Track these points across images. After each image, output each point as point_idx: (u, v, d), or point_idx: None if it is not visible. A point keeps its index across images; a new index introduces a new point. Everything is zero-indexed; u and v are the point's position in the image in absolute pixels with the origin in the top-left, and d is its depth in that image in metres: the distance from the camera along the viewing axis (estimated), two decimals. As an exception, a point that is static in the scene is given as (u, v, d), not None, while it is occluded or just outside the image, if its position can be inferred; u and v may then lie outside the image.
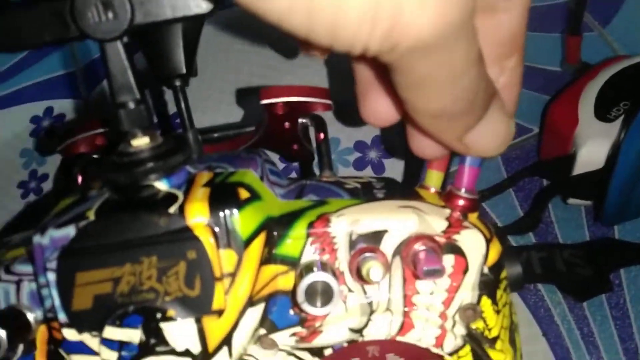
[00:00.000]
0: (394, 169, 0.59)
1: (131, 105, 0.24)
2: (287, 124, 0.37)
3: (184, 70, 0.29)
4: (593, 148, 0.45)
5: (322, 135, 0.37)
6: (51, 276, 0.22)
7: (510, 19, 0.21)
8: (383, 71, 0.20)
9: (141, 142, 0.24)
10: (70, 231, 0.23)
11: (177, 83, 0.30)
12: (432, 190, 0.28)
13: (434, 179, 0.29)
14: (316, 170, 0.42)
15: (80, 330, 0.23)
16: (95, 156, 0.35)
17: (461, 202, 0.26)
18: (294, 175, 0.55)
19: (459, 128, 0.21)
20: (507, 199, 0.55)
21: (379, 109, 0.23)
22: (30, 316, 0.25)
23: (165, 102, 0.58)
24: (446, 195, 0.27)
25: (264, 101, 0.35)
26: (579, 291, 0.48)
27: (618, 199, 0.45)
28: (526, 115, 0.59)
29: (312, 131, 0.38)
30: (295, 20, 0.16)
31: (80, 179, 0.35)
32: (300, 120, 0.37)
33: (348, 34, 0.16)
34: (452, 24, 0.16)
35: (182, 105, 0.31)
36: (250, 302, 0.23)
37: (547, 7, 0.64)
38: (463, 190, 0.26)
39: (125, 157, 0.24)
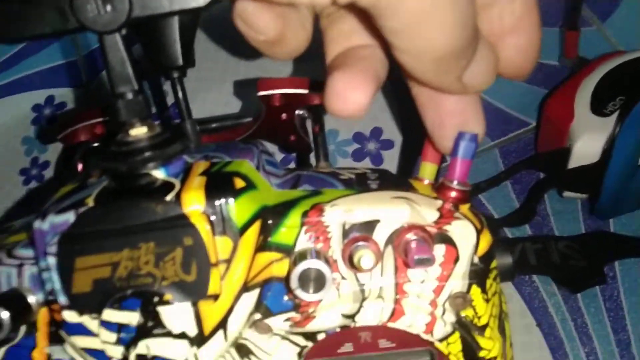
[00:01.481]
0: (393, 160, 0.59)
1: (129, 95, 0.25)
2: (284, 116, 0.37)
3: (181, 63, 0.29)
4: (588, 142, 0.45)
5: (318, 128, 0.37)
6: (51, 260, 0.23)
7: None
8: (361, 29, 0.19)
9: (139, 131, 0.25)
10: (70, 217, 0.23)
11: (175, 74, 0.30)
12: (426, 182, 0.29)
13: (427, 171, 0.29)
14: (313, 161, 0.42)
15: (80, 312, 0.23)
16: (95, 144, 0.36)
17: (453, 194, 0.27)
18: (292, 165, 0.55)
19: (459, 67, 0.20)
20: (504, 192, 0.55)
21: (347, 91, 0.21)
22: (32, 299, 0.26)
23: (164, 92, 0.58)
24: (439, 187, 0.27)
25: (261, 93, 0.35)
26: (573, 283, 0.49)
27: (613, 192, 0.45)
28: (523, 108, 0.59)
29: (309, 123, 0.39)
30: None
31: (80, 166, 0.36)
32: (297, 112, 0.38)
33: None
34: None
35: (180, 96, 0.31)
36: (245, 288, 0.24)
37: (545, 1, 0.65)
38: (455, 182, 0.27)
39: (123, 146, 0.25)
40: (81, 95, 0.64)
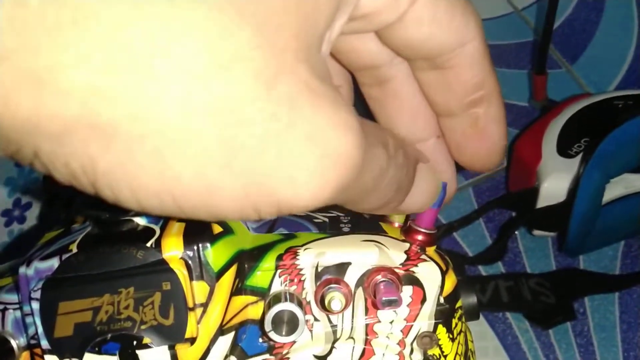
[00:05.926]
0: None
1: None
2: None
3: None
4: (554, 183, 0.47)
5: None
6: (35, 305, 0.24)
7: (459, 72, 0.21)
8: None
9: (122, 179, 0.26)
10: (54, 263, 0.24)
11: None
12: (396, 224, 0.30)
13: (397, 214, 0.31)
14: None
15: (62, 356, 0.24)
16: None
17: (420, 237, 0.28)
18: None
19: (395, 205, 0.22)
20: (478, 230, 0.57)
21: None
22: (14, 343, 0.27)
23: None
24: (406, 230, 0.29)
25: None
26: (544, 319, 0.50)
27: (579, 231, 0.47)
28: (496, 149, 0.61)
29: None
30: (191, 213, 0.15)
31: (65, 211, 0.37)
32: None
33: (236, 217, 0.16)
34: (338, 186, 0.15)
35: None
36: (221, 331, 0.25)
37: (515, 45, 0.68)
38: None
39: (107, 194, 0.26)
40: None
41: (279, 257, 0.27)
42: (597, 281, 0.52)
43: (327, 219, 0.31)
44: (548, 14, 0.51)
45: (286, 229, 0.29)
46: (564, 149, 0.49)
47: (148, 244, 0.24)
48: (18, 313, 0.26)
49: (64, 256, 0.24)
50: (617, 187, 0.50)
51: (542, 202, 0.48)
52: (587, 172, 0.44)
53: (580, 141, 0.49)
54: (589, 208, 0.46)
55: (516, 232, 0.55)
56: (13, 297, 0.27)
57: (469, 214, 0.53)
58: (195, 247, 0.25)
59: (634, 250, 0.56)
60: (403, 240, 0.28)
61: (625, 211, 0.51)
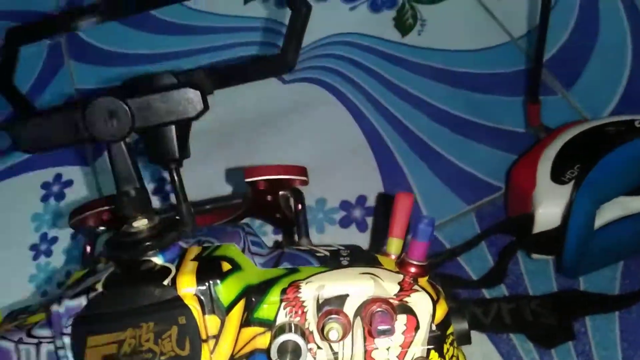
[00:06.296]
0: (376, 227, 0.63)
1: (132, 192, 0.29)
2: (269, 197, 0.42)
3: (177, 156, 0.34)
4: (548, 209, 0.49)
5: (299, 207, 0.42)
6: (67, 339, 0.27)
7: None
8: None
9: (140, 223, 0.29)
10: (82, 301, 0.28)
11: (172, 166, 0.35)
12: (393, 256, 0.33)
13: (394, 246, 0.34)
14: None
15: (90, 385, 0.27)
16: (102, 228, 0.41)
17: (412, 269, 0.31)
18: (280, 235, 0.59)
19: None
20: (481, 254, 0.59)
21: None
22: (47, 374, 0.30)
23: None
24: (400, 263, 0.31)
25: (248, 179, 0.40)
26: (545, 340, 0.52)
27: (573, 255, 0.49)
28: (495, 173, 0.64)
29: (292, 201, 0.43)
30: None
31: (88, 248, 0.40)
32: (281, 193, 0.42)
33: None
34: None
35: (177, 183, 0.36)
36: (232, 360, 0.28)
37: (511, 73, 0.70)
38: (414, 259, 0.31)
39: (127, 237, 0.29)
40: (87, 173, 0.68)
41: (283, 291, 0.29)
42: (598, 301, 0.54)
43: (328, 253, 0.33)
44: (538, 44, 0.54)
45: (290, 264, 0.32)
46: (557, 176, 0.51)
47: (165, 282, 0.27)
48: (51, 346, 0.29)
49: (91, 295, 0.27)
50: (614, 209, 0.52)
51: (538, 227, 0.50)
52: (578, 199, 0.47)
53: (573, 167, 0.51)
54: (581, 233, 0.48)
55: (518, 256, 0.57)
56: (46, 332, 0.30)
57: (470, 240, 0.55)
58: (207, 284, 0.27)
59: (633, 270, 0.57)
60: (397, 272, 0.31)
61: (622, 232, 0.52)
